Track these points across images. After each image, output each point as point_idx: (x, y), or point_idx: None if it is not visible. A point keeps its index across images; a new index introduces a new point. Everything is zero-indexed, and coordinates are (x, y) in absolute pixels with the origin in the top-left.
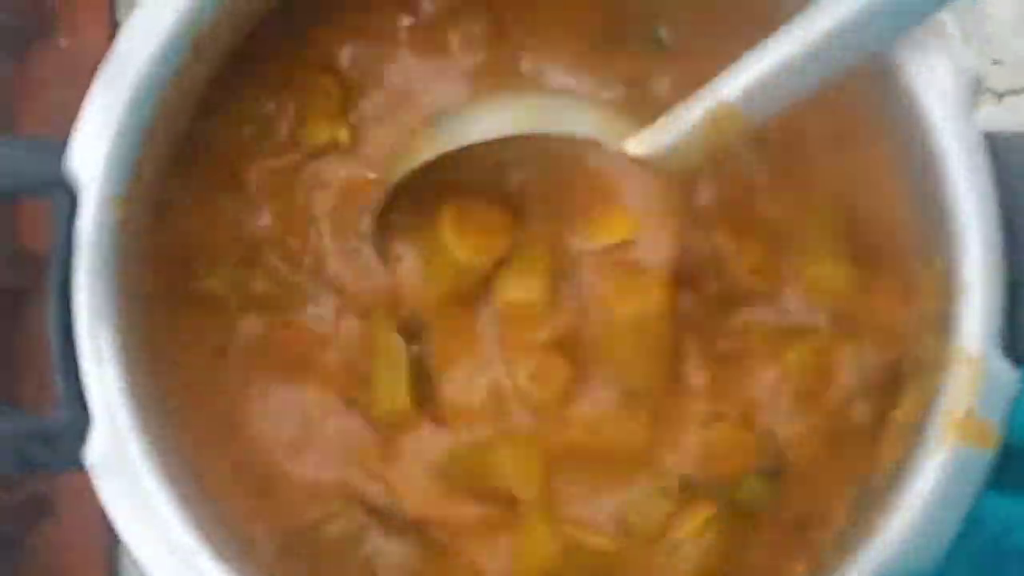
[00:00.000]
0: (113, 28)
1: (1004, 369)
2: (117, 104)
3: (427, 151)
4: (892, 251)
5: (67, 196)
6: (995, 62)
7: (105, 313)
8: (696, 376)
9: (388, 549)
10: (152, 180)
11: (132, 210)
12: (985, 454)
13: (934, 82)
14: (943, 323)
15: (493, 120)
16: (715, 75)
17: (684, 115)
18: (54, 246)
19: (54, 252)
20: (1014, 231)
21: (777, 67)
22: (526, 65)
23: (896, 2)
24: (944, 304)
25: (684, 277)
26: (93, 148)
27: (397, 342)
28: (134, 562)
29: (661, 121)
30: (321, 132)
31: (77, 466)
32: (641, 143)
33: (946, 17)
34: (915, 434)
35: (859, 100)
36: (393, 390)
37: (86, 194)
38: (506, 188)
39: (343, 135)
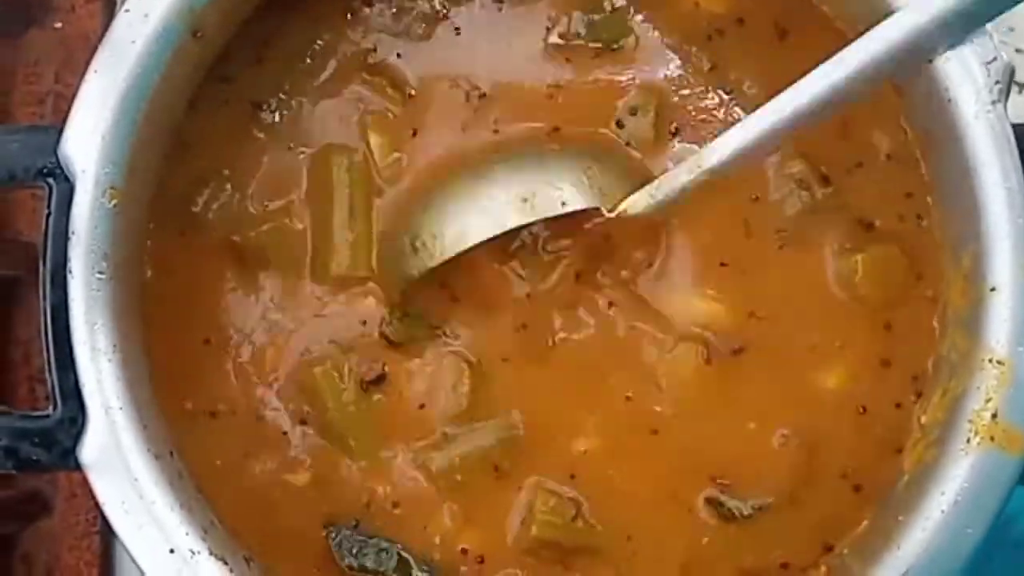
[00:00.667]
0: (110, 8)
1: None
2: (112, 91)
3: (429, 262)
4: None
5: (61, 184)
6: (1018, 51)
7: (101, 303)
8: None
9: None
10: (148, 165)
11: (128, 197)
12: (1013, 459)
13: (966, 74)
14: (971, 324)
15: (487, 222)
16: None
17: (671, 180)
18: (47, 235)
19: (47, 241)
20: None
21: (755, 141)
22: None
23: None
24: (973, 302)
25: None
26: (88, 136)
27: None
28: (132, 559)
29: (651, 186)
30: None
31: (71, 465)
32: (636, 205)
33: None
34: (940, 437)
35: (894, 89)
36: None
37: (81, 182)
38: None
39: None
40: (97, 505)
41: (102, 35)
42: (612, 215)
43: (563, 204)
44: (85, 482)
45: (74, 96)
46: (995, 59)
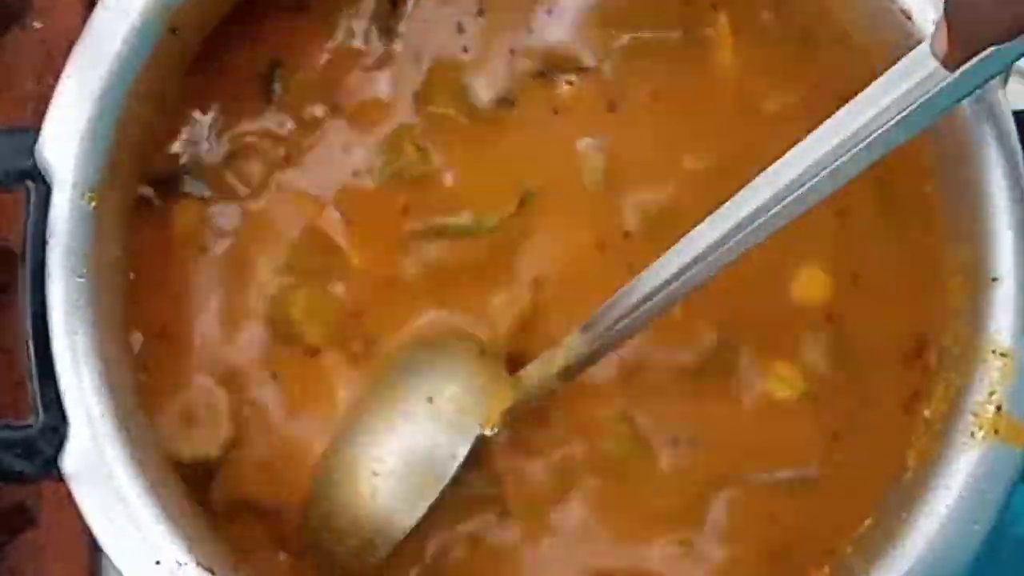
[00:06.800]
0: (89, 5)
1: None
2: (89, 90)
3: None
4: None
5: (40, 187)
6: None
7: (81, 308)
8: None
9: None
10: (128, 165)
11: (107, 197)
12: (1017, 452)
13: None
14: (973, 315)
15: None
16: None
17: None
18: (26, 238)
19: (27, 245)
20: None
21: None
22: None
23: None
24: (974, 295)
25: None
26: (65, 137)
27: None
28: (118, 572)
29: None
30: None
31: (54, 475)
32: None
33: None
34: (944, 430)
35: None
36: None
37: (59, 184)
38: None
39: None
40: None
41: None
42: (492, 432)
43: (454, 457)
44: (72, 493)
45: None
46: None
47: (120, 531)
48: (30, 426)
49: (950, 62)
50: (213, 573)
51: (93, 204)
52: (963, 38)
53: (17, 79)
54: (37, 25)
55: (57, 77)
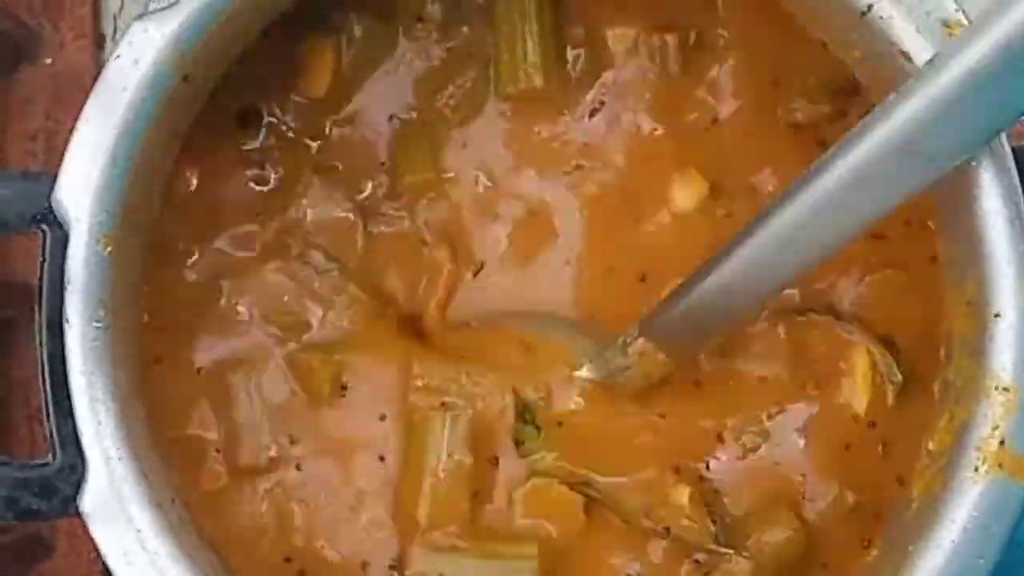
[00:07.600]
0: (98, 42)
1: None
2: (104, 139)
3: None
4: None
5: (55, 231)
6: None
7: (99, 351)
8: None
9: None
10: (142, 211)
11: (123, 243)
12: (1020, 486)
13: None
14: (976, 350)
15: None
16: None
17: (617, 356)
18: (42, 283)
19: (42, 289)
20: None
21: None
22: None
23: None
24: (977, 328)
25: None
26: (81, 184)
27: None
28: None
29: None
30: None
31: (72, 512)
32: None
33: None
34: (948, 464)
35: None
36: None
37: (75, 230)
38: None
39: None
40: (98, 549)
41: (93, 72)
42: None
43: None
44: (85, 524)
45: (67, 142)
46: None
47: (139, 571)
48: (47, 465)
49: None
50: None
51: (109, 250)
52: None
53: (28, 114)
54: (47, 61)
55: (67, 113)
